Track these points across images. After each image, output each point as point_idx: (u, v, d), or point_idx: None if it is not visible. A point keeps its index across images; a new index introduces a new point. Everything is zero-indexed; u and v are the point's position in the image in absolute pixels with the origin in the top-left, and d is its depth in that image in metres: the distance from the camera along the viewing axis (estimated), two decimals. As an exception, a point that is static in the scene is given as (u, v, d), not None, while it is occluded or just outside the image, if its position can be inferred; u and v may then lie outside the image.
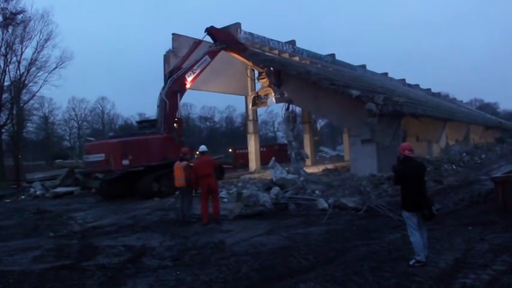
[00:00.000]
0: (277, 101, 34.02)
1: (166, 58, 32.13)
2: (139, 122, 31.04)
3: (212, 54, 28.58)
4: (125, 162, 22.79)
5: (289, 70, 30.07)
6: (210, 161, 15.32)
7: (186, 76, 26.37)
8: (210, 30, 29.40)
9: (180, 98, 26.30)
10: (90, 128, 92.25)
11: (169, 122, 25.03)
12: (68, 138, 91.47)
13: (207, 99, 73.83)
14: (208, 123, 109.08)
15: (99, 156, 23.08)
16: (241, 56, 31.47)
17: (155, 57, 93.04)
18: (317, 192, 19.12)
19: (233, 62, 32.64)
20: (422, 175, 8.56)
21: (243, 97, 41.88)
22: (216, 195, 14.91)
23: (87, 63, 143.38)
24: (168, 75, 26.03)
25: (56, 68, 42.94)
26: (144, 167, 23.84)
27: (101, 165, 23.28)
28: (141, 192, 23.31)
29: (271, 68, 31.02)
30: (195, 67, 26.96)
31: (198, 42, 28.64)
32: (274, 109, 51.82)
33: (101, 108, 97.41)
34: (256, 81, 35.79)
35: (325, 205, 15.71)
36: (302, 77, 28.53)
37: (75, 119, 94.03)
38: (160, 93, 25.37)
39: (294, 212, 15.79)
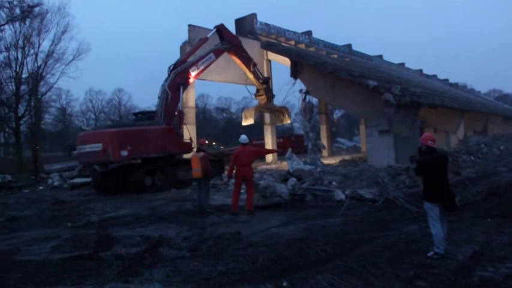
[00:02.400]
0: (279, 122, 34.85)
1: (183, 49, 32.12)
2: (135, 114, 30.76)
3: (217, 52, 28.37)
4: (124, 153, 21.83)
5: (305, 61, 29.94)
6: (252, 151, 15.19)
7: (190, 70, 26.14)
8: (219, 28, 29.25)
9: (183, 92, 26.03)
10: (107, 119, 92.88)
11: (170, 114, 24.58)
12: (88, 129, 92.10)
13: (224, 90, 74.11)
14: (224, 114, 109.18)
15: (96, 146, 22.06)
16: (245, 66, 30.98)
17: (172, 48, 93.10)
18: (334, 183, 19.04)
19: (250, 53, 32.46)
20: (445, 166, 8.42)
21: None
22: (251, 185, 14.79)
23: (104, 55, 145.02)
24: (172, 68, 25.78)
25: (73, 60, 43.36)
26: (143, 159, 23.70)
27: (98, 156, 22.16)
28: (133, 186, 22.94)
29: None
30: (199, 63, 26.74)
31: (204, 39, 28.41)
32: (290, 100, 51.58)
33: (117, 100, 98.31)
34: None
35: (342, 196, 15.66)
36: (318, 68, 28.39)
37: (93, 110, 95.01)
38: (163, 85, 25.03)
39: (310, 203, 15.75)
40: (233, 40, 29.92)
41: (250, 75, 31.07)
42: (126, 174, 23.58)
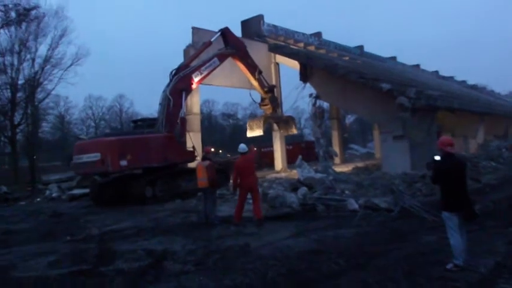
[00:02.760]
0: (284, 132, 34.47)
1: (186, 53, 32.16)
2: (134, 122, 30.34)
3: (221, 57, 28.31)
4: (123, 162, 21.57)
5: (315, 63, 30.03)
6: (252, 158, 15.11)
7: (193, 76, 26.00)
8: (224, 32, 29.25)
9: (185, 98, 25.89)
10: (108, 127, 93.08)
11: (172, 121, 24.42)
12: (85, 137, 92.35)
13: (230, 95, 74.12)
14: (231, 121, 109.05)
15: (94, 156, 21.72)
16: (250, 73, 30.93)
17: (175, 52, 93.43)
18: (347, 192, 19.00)
19: (257, 56, 32.52)
20: (464, 172, 8.36)
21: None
22: (257, 194, 14.73)
23: (104, 60, 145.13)
24: (174, 73, 25.60)
25: (71, 65, 43.58)
26: (143, 169, 23.62)
27: (95, 166, 21.81)
28: (132, 197, 22.73)
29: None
30: (202, 68, 26.65)
31: (208, 43, 28.36)
32: (300, 105, 51.58)
33: (118, 107, 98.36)
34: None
35: (356, 206, 15.61)
36: (329, 71, 28.45)
37: (92, 117, 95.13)
38: (164, 90, 24.89)
39: (322, 214, 15.71)
40: (238, 45, 29.89)
41: (255, 83, 30.99)
42: (126, 185, 23.42)
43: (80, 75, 66.53)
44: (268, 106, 31.69)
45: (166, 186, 23.53)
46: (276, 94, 33.38)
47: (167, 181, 23.75)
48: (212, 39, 28.54)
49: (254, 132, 31.61)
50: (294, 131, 34.80)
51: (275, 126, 39.42)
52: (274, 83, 39.43)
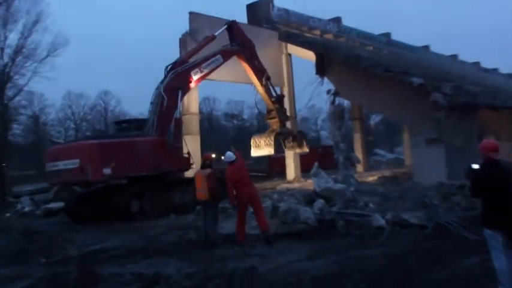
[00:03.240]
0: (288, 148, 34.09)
1: (183, 42, 32.28)
2: (118, 123, 30.48)
3: (226, 54, 28.50)
4: (106, 170, 21.34)
5: (334, 54, 30.08)
6: (243, 165, 15.24)
7: (192, 73, 26.06)
8: (231, 25, 29.33)
9: (182, 97, 25.89)
10: (90, 129, 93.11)
11: (165, 123, 24.40)
12: (63, 141, 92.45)
13: (234, 91, 73.17)
14: (235, 121, 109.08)
15: (72, 163, 21.42)
16: (256, 77, 31.05)
17: (169, 41, 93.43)
18: (371, 205, 18.98)
19: (265, 46, 32.63)
20: (510, 182, 8.24)
21: (277, 88, 41.78)
22: (259, 204, 14.84)
23: (86, 50, 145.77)
24: (169, 68, 25.66)
25: (47, 56, 43.52)
26: (130, 178, 23.67)
27: (73, 175, 21.58)
28: (115, 212, 22.41)
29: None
30: (203, 65, 26.72)
31: (211, 37, 28.36)
32: (316, 103, 51.60)
33: (103, 105, 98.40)
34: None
35: (382, 222, 15.57)
36: (350, 63, 28.50)
37: (72, 118, 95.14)
38: (158, 87, 24.93)
39: (343, 231, 15.66)
40: (246, 42, 29.96)
41: (261, 90, 30.93)
42: (107, 198, 23.18)
43: (57, 69, 66.22)
44: (276, 120, 31.49)
45: (156, 199, 23.41)
46: (285, 102, 33.36)
47: (157, 193, 23.67)
48: (216, 33, 28.60)
49: (262, 150, 31.36)
50: (305, 150, 34.12)
51: (287, 124, 39.50)
52: (285, 76, 39.49)
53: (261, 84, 30.54)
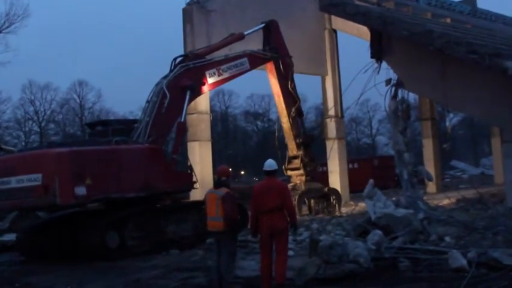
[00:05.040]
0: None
1: (188, 14, 32.27)
2: (90, 125, 30.02)
3: (254, 60, 29.03)
4: (80, 190, 20.53)
5: (395, 30, 29.89)
6: (279, 186, 14.63)
7: (207, 73, 26.27)
8: (270, 25, 29.64)
9: (190, 101, 25.89)
10: (60, 133, 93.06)
11: (162, 128, 24.27)
12: (12, 149, 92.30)
13: (257, 83, 71.10)
14: (259, 123, 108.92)
15: (31, 179, 20.63)
16: (285, 104, 31.22)
17: (167, 22, 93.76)
18: (448, 239, 18.87)
19: (302, 20, 32.64)
20: None
21: (318, 78, 41.74)
22: (283, 243, 14.39)
23: (54, 27, 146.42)
24: (178, 60, 25.93)
25: (-1, 32, 43.74)
26: (110, 201, 22.78)
27: (33, 196, 20.73)
28: (87, 247, 21.92)
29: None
30: (224, 66, 26.99)
31: (238, 36, 28.49)
32: (370, 98, 51.48)
33: (78, 101, 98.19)
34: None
35: (463, 262, 15.44)
36: (418, 41, 28.28)
37: (35, 118, 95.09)
38: (159, 83, 24.92)
39: (407, 274, 15.59)
40: (282, 50, 30.15)
41: (286, 125, 30.97)
42: (75, 228, 22.62)
43: (14, 50, 65.81)
44: (300, 172, 31.52)
45: (142, 231, 22.67)
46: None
47: (144, 222, 22.95)
48: (246, 32, 28.74)
49: None
50: (337, 213, 33.21)
51: (330, 130, 39.42)
52: (328, 60, 39.42)
53: (288, 116, 30.54)
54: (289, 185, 31.26)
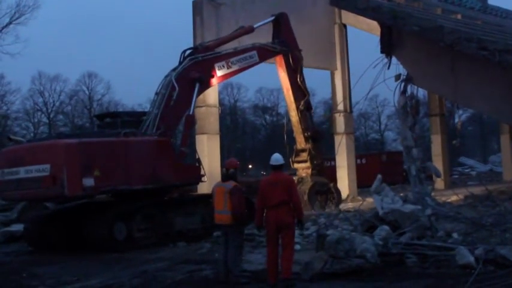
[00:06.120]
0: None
1: (198, 7, 32.26)
2: (99, 117, 30.07)
3: (264, 52, 29.10)
4: (88, 181, 20.78)
5: (406, 26, 29.82)
6: (286, 180, 14.64)
7: (216, 66, 26.35)
8: (279, 18, 29.59)
9: (198, 93, 25.93)
10: (68, 124, 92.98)
11: (171, 120, 24.41)
12: (21, 140, 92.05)
13: (266, 76, 71.09)
14: (268, 117, 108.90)
15: (39, 170, 20.74)
16: (294, 98, 31.30)
17: (177, 15, 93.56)
18: (455, 235, 18.81)
19: (311, 14, 32.53)
20: None
21: (327, 73, 41.71)
22: (289, 238, 14.33)
23: (64, 20, 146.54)
24: (187, 53, 25.95)
25: (9, 23, 43.92)
26: (118, 193, 23.10)
27: (41, 187, 20.86)
28: (94, 239, 22.04)
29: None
30: (233, 59, 27.09)
31: (248, 29, 28.51)
32: (379, 93, 51.42)
33: (87, 92, 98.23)
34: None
35: (470, 258, 15.38)
36: (429, 37, 28.20)
37: (44, 109, 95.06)
38: (168, 75, 25.06)
39: (414, 270, 15.57)
40: (293, 45, 30.14)
41: (295, 118, 30.99)
42: (83, 219, 22.61)
43: (24, 42, 65.93)
44: (307, 165, 31.60)
45: (150, 223, 22.83)
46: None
47: (152, 215, 23.08)
48: (256, 25, 28.75)
49: None
50: (334, 211, 32.95)
51: (339, 125, 39.35)
52: (338, 55, 39.41)
53: (297, 109, 30.51)
54: (295, 178, 31.30)
